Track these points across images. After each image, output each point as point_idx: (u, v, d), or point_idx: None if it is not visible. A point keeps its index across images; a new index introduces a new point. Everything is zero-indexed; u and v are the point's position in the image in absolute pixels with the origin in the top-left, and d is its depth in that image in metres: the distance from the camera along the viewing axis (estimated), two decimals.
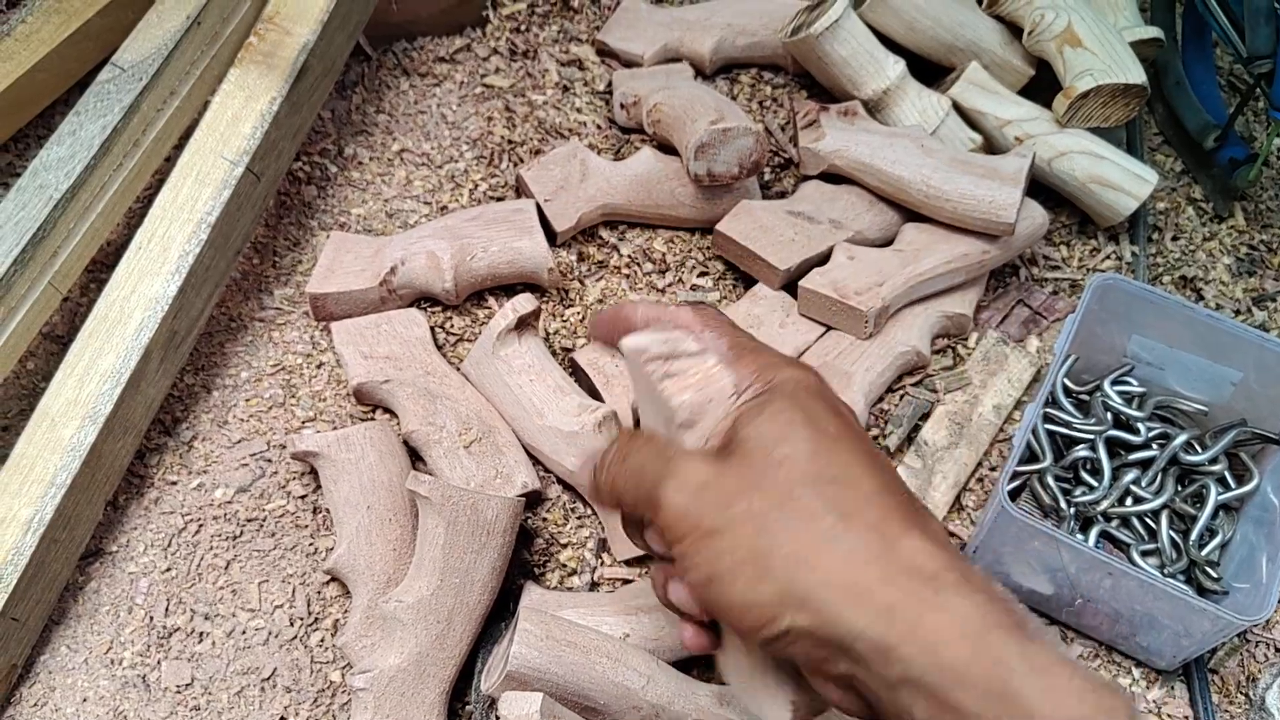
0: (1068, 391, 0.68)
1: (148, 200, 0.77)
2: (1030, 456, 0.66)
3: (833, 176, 0.76)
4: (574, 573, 0.65)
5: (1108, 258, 0.79)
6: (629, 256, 0.76)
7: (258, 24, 0.72)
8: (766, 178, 0.80)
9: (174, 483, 0.67)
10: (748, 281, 0.76)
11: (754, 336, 0.46)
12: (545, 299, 0.74)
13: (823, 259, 0.72)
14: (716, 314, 0.47)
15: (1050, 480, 0.65)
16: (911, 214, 0.74)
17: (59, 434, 0.61)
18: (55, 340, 0.73)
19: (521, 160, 0.79)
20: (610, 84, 0.83)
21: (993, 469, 0.70)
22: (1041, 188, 0.77)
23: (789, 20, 0.80)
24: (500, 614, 0.62)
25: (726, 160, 0.72)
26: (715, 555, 0.40)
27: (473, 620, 0.59)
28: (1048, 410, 0.67)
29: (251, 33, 0.72)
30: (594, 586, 0.65)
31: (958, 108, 0.78)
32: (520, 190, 0.77)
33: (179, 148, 0.74)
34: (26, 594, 0.60)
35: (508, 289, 0.75)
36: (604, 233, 0.77)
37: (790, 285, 0.73)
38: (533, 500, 0.67)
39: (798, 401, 0.42)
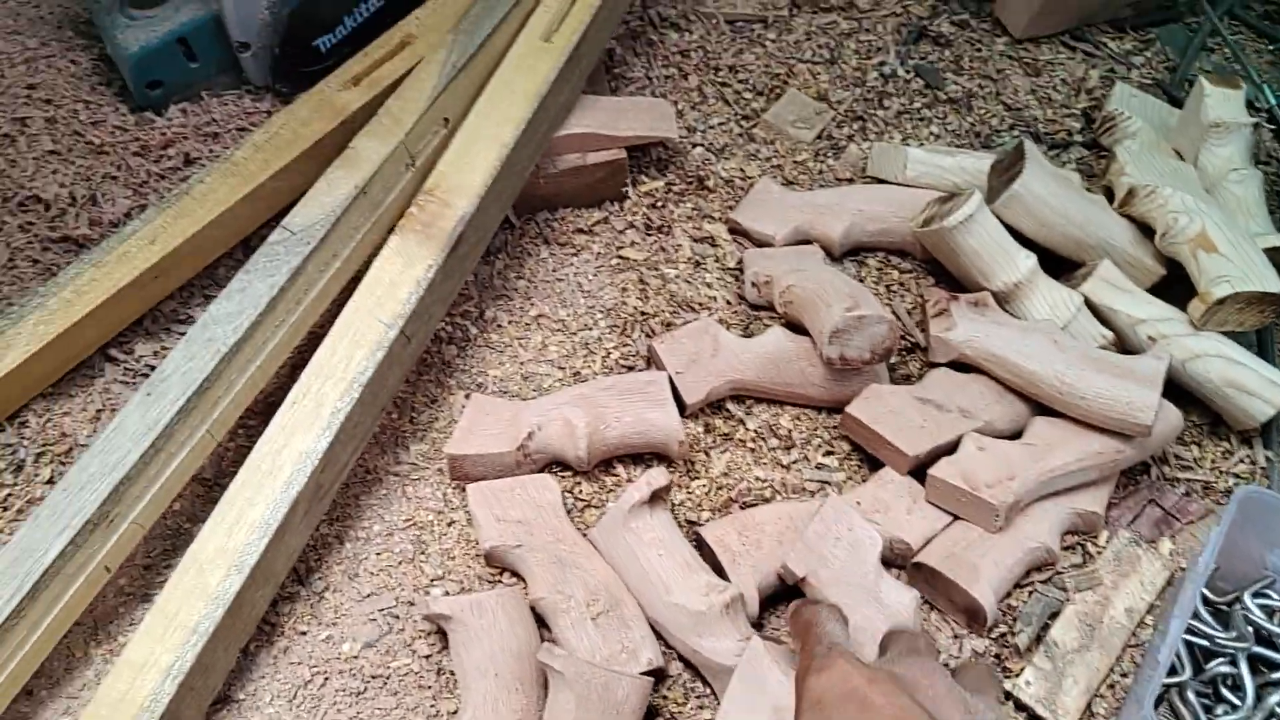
0: (1206, 601, 0.67)
1: (299, 354, 0.82)
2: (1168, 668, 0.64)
3: (961, 365, 0.77)
4: None
5: (1241, 460, 0.78)
6: (755, 431, 0.78)
7: (419, 195, 0.77)
8: (893, 361, 0.82)
9: (304, 633, 0.69)
10: (872, 463, 0.76)
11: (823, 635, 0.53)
12: (672, 470, 0.75)
13: (951, 447, 0.72)
14: (806, 622, 0.54)
15: (1191, 696, 0.63)
16: (1041, 407, 0.75)
17: (205, 581, 0.63)
18: (201, 482, 0.76)
19: (653, 331, 0.81)
20: (741, 261, 0.86)
21: (1124, 675, 0.68)
22: (1173, 387, 0.77)
23: (920, 210, 0.82)
24: None
25: (859, 345, 0.74)
26: None
27: None
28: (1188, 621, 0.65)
29: (413, 203, 0.77)
30: None
31: (1089, 304, 0.79)
32: (652, 361, 0.79)
33: (333, 306, 0.78)
34: None
35: (635, 457, 0.76)
36: (731, 405, 0.79)
37: (917, 471, 0.73)
38: (655, 676, 0.66)
39: (811, 713, 0.46)
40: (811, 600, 0.59)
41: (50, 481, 0.74)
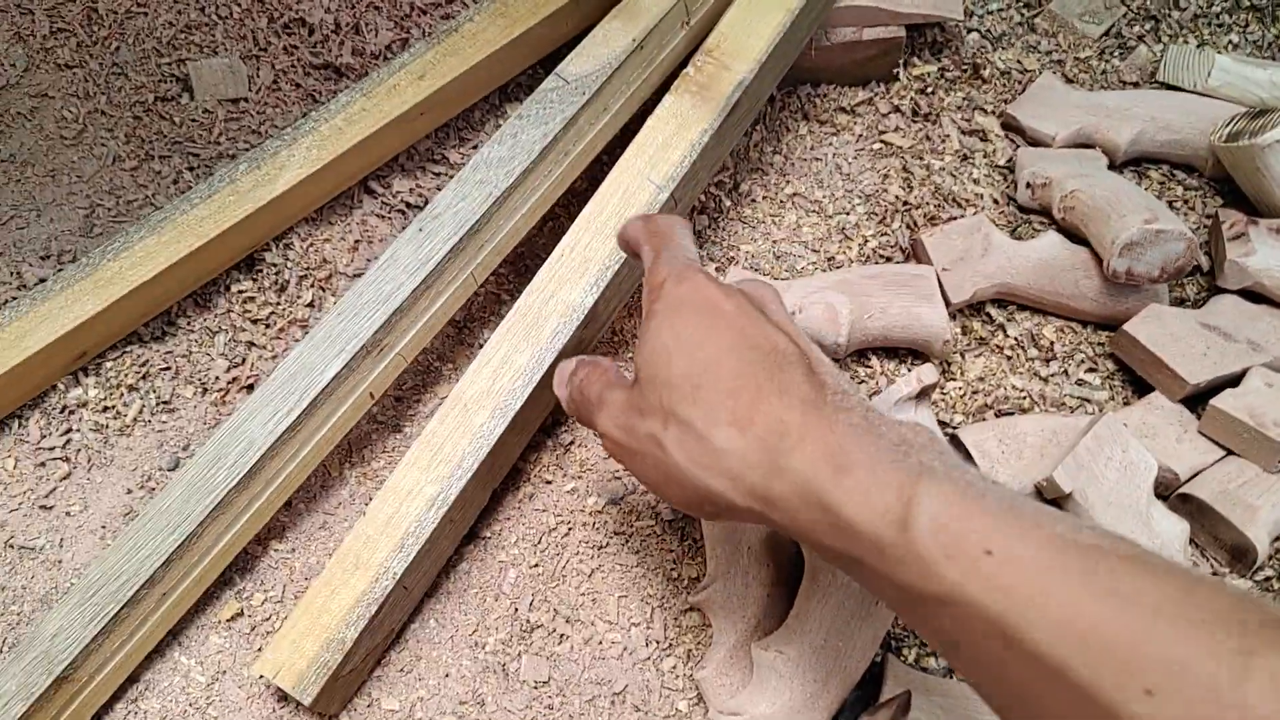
0: None
1: (562, 205, 0.81)
2: None
3: (1252, 295, 0.71)
4: (933, 654, 0.64)
5: None
6: (1015, 339, 0.74)
7: (697, 55, 0.74)
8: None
9: (549, 482, 0.70)
10: (1139, 385, 0.72)
11: (678, 251, 0.53)
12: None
13: (1234, 380, 0.68)
14: (663, 233, 0.54)
15: None
16: None
17: (471, 420, 0.64)
18: (453, 324, 0.77)
19: (915, 223, 0.78)
20: (1012, 160, 0.81)
21: None
22: None
23: (1225, 123, 0.76)
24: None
25: (1150, 261, 0.69)
26: (641, 471, 0.49)
27: (846, 686, 0.59)
28: None
29: (690, 63, 0.74)
30: (949, 673, 0.63)
31: None
32: (914, 254, 0.76)
33: (598, 161, 0.77)
34: (419, 565, 0.63)
35: (890, 351, 0.74)
36: (992, 310, 0.75)
37: (1189, 400, 0.69)
38: None
39: (666, 319, 0.48)
40: (665, 215, 0.59)
41: (311, 304, 0.76)
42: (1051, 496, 0.64)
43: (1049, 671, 0.34)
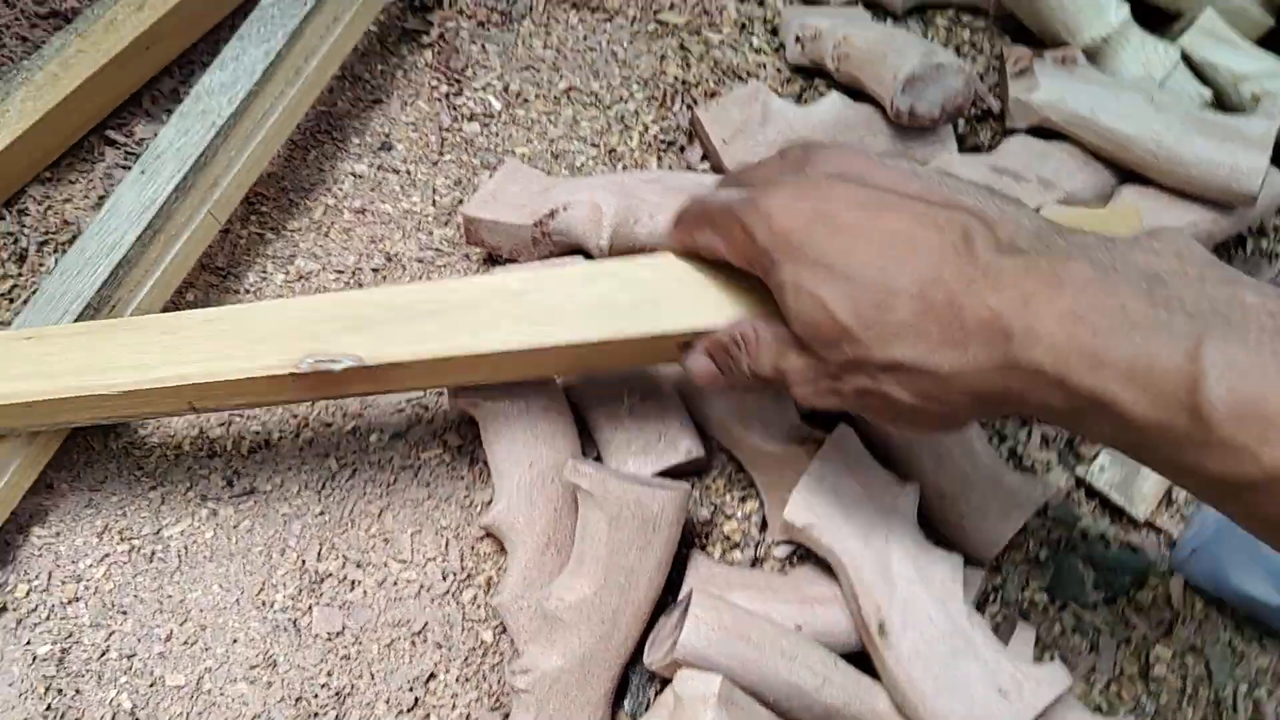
0: None
1: (308, 131, 0.75)
2: None
3: (1042, 132, 0.69)
4: (737, 546, 0.61)
5: None
6: None
7: None
8: (961, 129, 0.74)
9: (329, 425, 0.65)
10: None
11: (725, 200, 0.46)
12: None
13: None
14: (695, 212, 0.48)
15: None
16: (1127, 175, 0.67)
17: None
18: (214, 272, 0.71)
19: (696, 102, 0.74)
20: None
21: None
22: (1277, 150, 0.69)
23: None
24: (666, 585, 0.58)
25: (931, 99, 0.66)
26: (871, 416, 0.43)
27: (639, 619, 0.55)
28: None
29: None
30: (756, 562, 0.61)
31: (1187, 59, 0.70)
32: (694, 132, 0.72)
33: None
34: None
35: None
36: None
37: None
38: (697, 468, 0.62)
39: (789, 265, 0.41)
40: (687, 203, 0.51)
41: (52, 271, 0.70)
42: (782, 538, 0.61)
43: None
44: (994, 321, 0.36)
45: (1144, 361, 0.34)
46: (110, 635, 0.60)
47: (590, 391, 0.62)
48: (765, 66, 0.76)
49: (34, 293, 0.69)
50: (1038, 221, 0.40)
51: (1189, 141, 0.62)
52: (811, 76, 0.76)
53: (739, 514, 0.62)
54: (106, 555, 0.62)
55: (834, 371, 0.41)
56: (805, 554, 0.60)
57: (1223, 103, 0.70)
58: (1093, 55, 0.70)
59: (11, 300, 0.69)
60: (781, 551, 0.61)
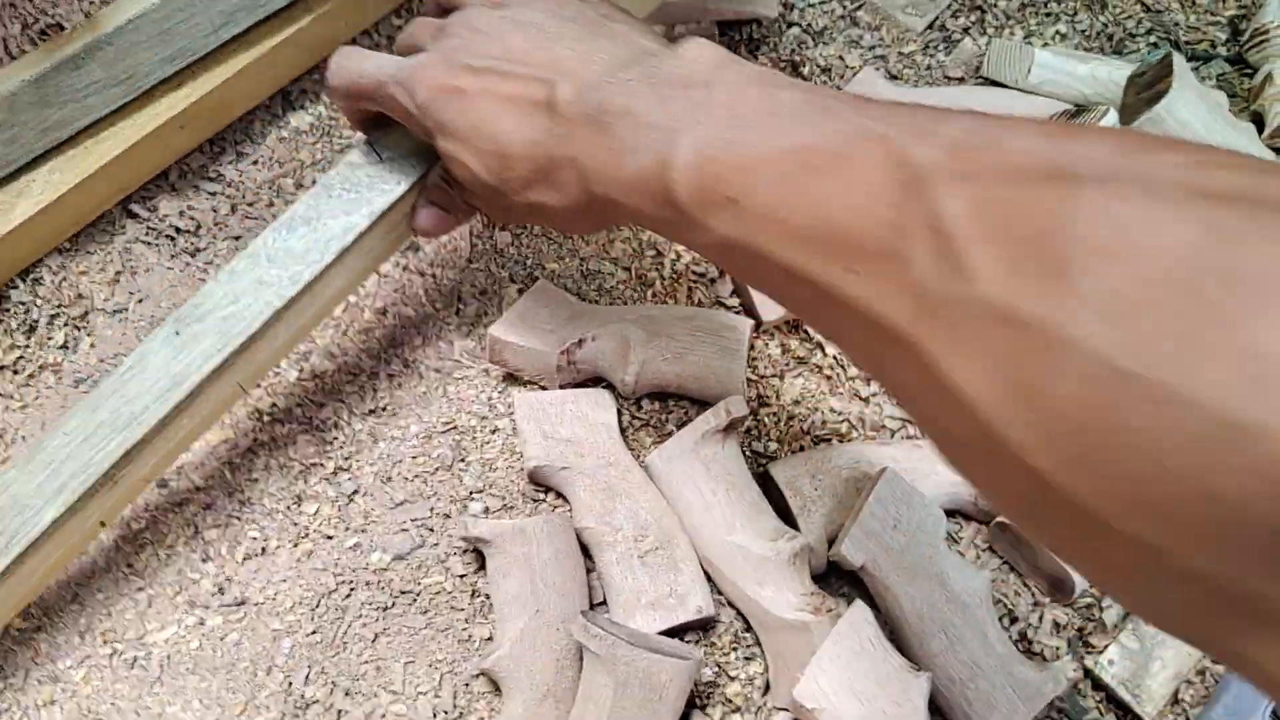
0: None
1: None
2: None
3: None
4: (738, 710, 0.60)
5: None
6: (834, 358, 0.70)
7: None
8: None
9: (330, 538, 0.64)
10: None
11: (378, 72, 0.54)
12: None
13: None
14: (358, 79, 0.55)
15: None
16: None
17: None
18: None
19: None
20: None
21: (1217, 662, 0.62)
22: None
23: None
24: None
25: None
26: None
27: None
28: None
29: None
30: None
31: None
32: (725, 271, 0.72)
33: None
34: None
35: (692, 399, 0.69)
36: (810, 328, 0.71)
37: None
38: (704, 624, 0.61)
39: (441, 120, 0.50)
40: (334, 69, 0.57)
41: (64, 346, 0.68)
42: (848, 568, 0.60)
43: (789, 274, 0.37)
44: (572, 165, 0.46)
45: (635, 172, 0.42)
46: None
47: (603, 535, 0.60)
48: None
49: (40, 366, 0.67)
50: (618, 52, 0.47)
51: None
52: None
53: (742, 675, 0.60)
54: (87, 657, 0.60)
55: (503, 205, 0.51)
56: None
57: None
58: None
59: (16, 372, 0.68)
60: (781, 717, 0.60)
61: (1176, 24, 0.86)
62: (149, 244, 0.72)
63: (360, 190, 0.58)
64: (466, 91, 0.48)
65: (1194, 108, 0.70)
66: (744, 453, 0.66)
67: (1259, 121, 0.75)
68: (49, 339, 0.68)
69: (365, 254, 0.59)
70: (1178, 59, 0.70)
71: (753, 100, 0.40)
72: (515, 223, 0.58)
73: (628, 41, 0.48)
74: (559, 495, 0.65)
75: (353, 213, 0.57)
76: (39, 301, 0.69)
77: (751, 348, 0.70)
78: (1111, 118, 0.67)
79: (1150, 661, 0.61)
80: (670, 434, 0.64)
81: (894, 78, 0.82)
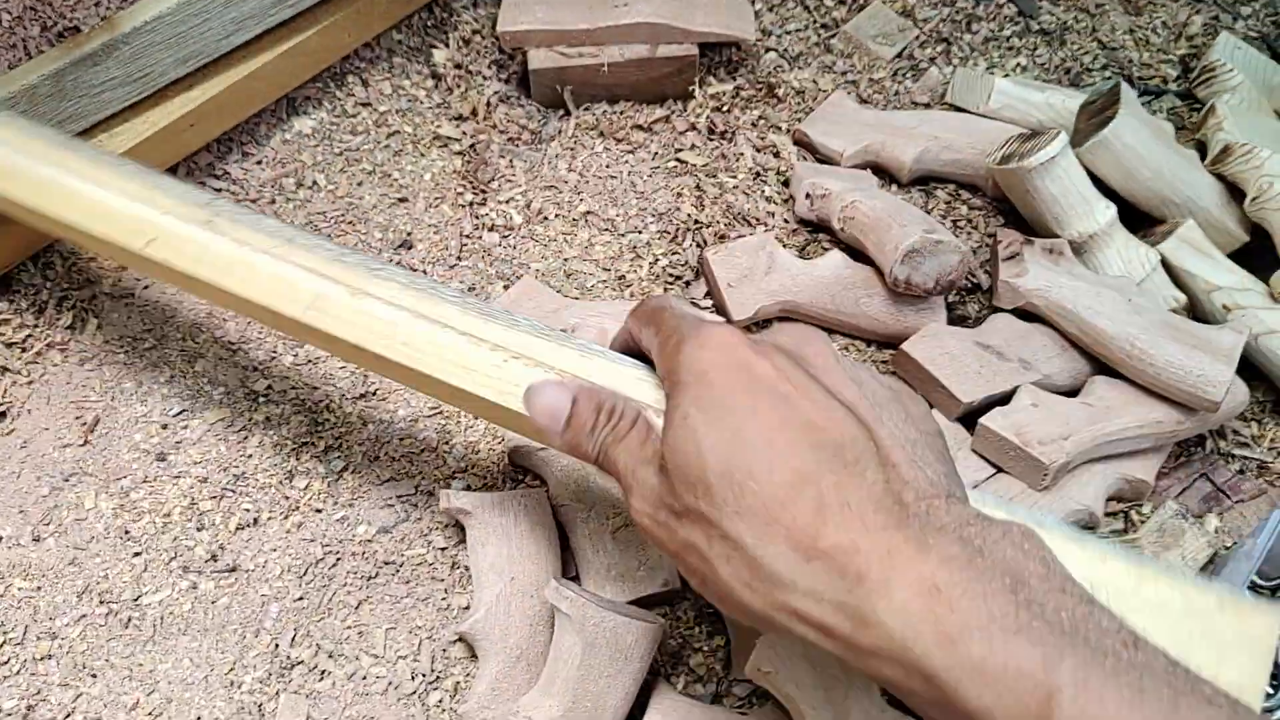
0: (1254, 586, 0.64)
1: (334, 219, 0.78)
2: None
3: (1025, 313, 0.73)
4: (700, 680, 0.63)
5: None
6: None
7: None
8: (950, 299, 0.78)
9: (319, 510, 0.67)
10: None
11: (685, 313, 0.46)
12: None
13: (1005, 398, 0.69)
14: (655, 307, 0.48)
15: None
16: (1101, 366, 0.71)
17: None
18: (226, 347, 0.73)
19: (705, 242, 0.78)
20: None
21: None
22: (1242, 361, 0.73)
23: (1000, 145, 0.78)
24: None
25: (927, 272, 0.70)
26: (685, 575, 0.42)
27: None
28: None
29: None
30: (717, 697, 0.63)
31: (1165, 264, 0.75)
32: (702, 270, 0.76)
33: None
34: None
35: None
36: None
37: (966, 417, 0.70)
38: (670, 597, 0.65)
39: (692, 395, 0.41)
40: (649, 299, 0.51)
41: (71, 327, 0.72)
42: None
43: None
44: (850, 554, 0.35)
45: (999, 660, 0.32)
46: (78, 697, 0.60)
47: (577, 511, 0.64)
48: (774, 215, 0.80)
49: (47, 345, 0.71)
50: (937, 478, 0.39)
51: (1162, 345, 0.66)
52: (816, 231, 0.80)
53: (706, 648, 0.64)
54: (84, 616, 0.63)
55: (678, 510, 0.40)
56: (764, 696, 0.62)
57: (1195, 309, 0.75)
58: (1078, 249, 0.75)
59: (24, 350, 0.71)
60: (742, 690, 0.63)
61: (1130, 60, 0.92)
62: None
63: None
64: (765, 382, 0.40)
65: (1138, 133, 0.75)
66: None
67: (1202, 150, 0.80)
68: (57, 319, 0.72)
69: None
70: (1125, 88, 0.76)
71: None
72: (656, 539, 0.43)
73: (936, 468, 0.40)
74: (536, 476, 0.69)
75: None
76: (49, 284, 0.73)
77: None
78: (1062, 140, 0.73)
79: None
80: None
81: (864, 101, 0.87)
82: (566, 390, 0.47)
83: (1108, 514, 0.70)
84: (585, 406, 0.46)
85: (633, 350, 0.51)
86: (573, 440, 0.47)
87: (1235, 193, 0.77)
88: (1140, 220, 0.79)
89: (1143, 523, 0.70)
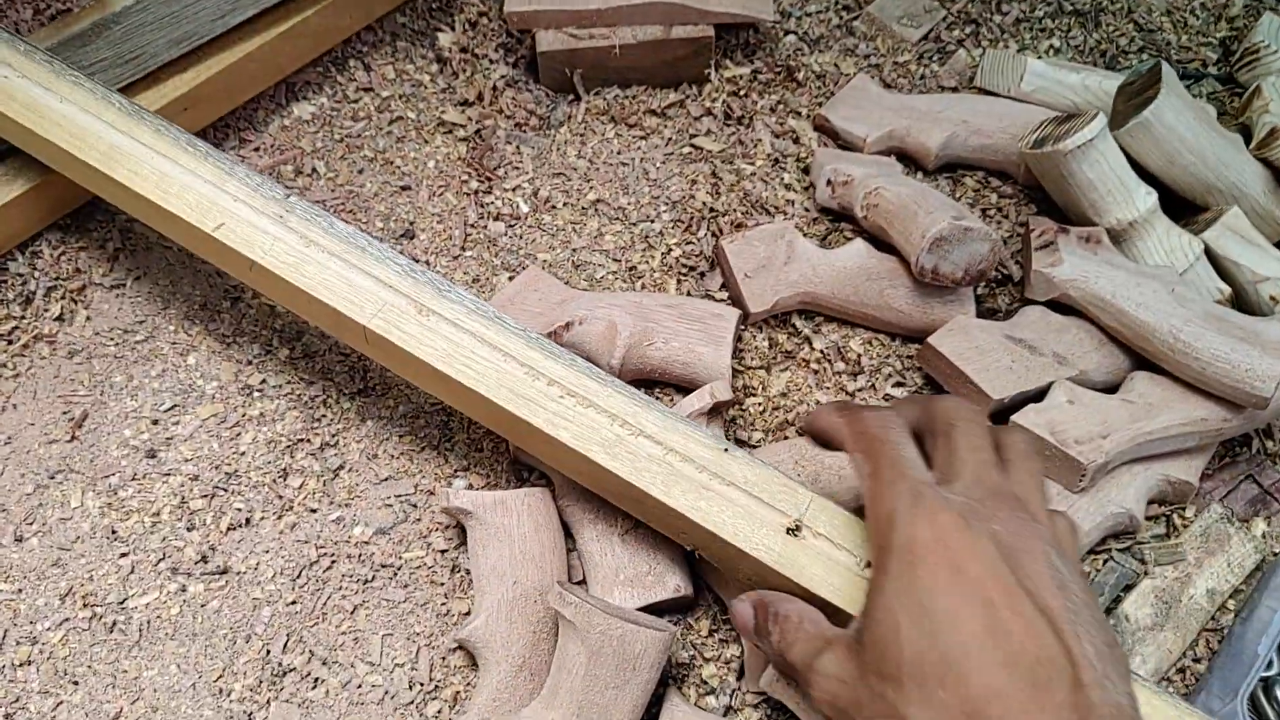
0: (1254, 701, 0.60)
1: (334, 209, 0.75)
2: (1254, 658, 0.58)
3: (1059, 305, 0.69)
4: (713, 691, 0.59)
5: None
6: (821, 351, 0.71)
7: None
8: (979, 291, 0.74)
9: (314, 510, 0.64)
10: None
11: (905, 461, 0.46)
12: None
13: (1039, 395, 0.65)
14: (876, 436, 0.48)
15: (1279, 693, 0.57)
16: (1141, 361, 0.67)
17: None
18: (220, 338, 0.70)
19: (721, 231, 0.74)
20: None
21: (1197, 660, 0.62)
22: None
23: (1033, 129, 0.73)
24: None
25: (955, 261, 0.66)
26: None
27: None
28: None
29: None
30: (729, 711, 0.59)
31: (1209, 253, 0.70)
32: (717, 261, 0.72)
33: None
34: None
35: (679, 387, 0.69)
36: (798, 321, 0.72)
37: (996, 415, 0.66)
38: (683, 605, 0.61)
39: (900, 579, 0.42)
40: (858, 406, 0.52)
41: (60, 318, 0.69)
42: None
43: None
44: None
45: None
46: (58, 705, 0.57)
47: (583, 512, 0.60)
48: (794, 204, 0.76)
49: (34, 336, 0.68)
50: (1121, 699, 0.39)
51: (1207, 338, 0.62)
52: (838, 220, 0.76)
53: (718, 659, 0.60)
54: (66, 620, 0.60)
55: (863, 695, 0.42)
56: (779, 710, 0.59)
57: (1240, 301, 0.71)
58: (1116, 238, 0.71)
59: (10, 342, 0.69)
60: (756, 702, 0.59)
61: (1169, 43, 0.87)
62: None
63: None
64: (971, 583, 0.40)
65: (1181, 115, 0.71)
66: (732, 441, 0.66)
67: (1246, 134, 0.76)
68: (45, 310, 0.69)
69: None
70: (1166, 68, 0.72)
71: None
72: None
73: (1121, 690, 0.40)
74: (542, 476, 0.65)
75: None
76: (37, 274, 0.70)
77: (739, 339, 0.70)
78: (1100, 122, 0.69)
79: (1131, 657, 0.61)
80: None
81: (888, 85, 0.83)
82: (749, 604, 0.50)
83: (1149, 518, 0.66)
84: (761, 616, 0.49)
85: (824, 441, 0.53)
86: (767, 651, 0.49)
87: None
88: (1182, 207, 0.74)
89: (1186, 527, 0.65)
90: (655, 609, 0.59)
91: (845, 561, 0.51)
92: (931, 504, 0.43)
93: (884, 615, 0.41)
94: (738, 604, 0.51)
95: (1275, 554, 0.65)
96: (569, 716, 0.52)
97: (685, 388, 0.68)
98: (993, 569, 0.40)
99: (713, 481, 0.53)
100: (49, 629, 0.60)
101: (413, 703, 0.59)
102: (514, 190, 0.76)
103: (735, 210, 0.75)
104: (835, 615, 0.50)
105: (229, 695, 0.58)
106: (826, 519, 0.52)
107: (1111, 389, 0.67)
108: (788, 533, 0.51)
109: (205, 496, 0.64)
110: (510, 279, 0.72)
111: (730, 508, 0.52)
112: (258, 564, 0.62)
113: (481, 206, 0.76)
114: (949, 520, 0.42)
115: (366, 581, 0.62)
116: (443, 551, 0.63)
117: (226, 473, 0.65)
